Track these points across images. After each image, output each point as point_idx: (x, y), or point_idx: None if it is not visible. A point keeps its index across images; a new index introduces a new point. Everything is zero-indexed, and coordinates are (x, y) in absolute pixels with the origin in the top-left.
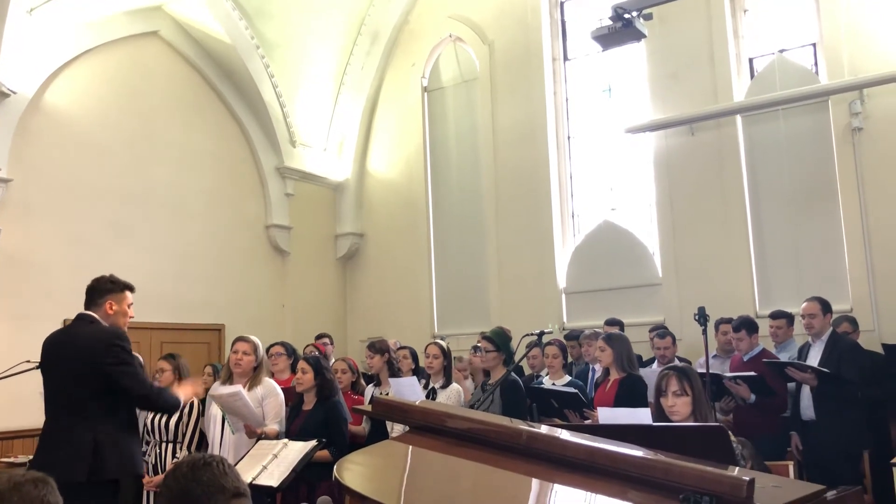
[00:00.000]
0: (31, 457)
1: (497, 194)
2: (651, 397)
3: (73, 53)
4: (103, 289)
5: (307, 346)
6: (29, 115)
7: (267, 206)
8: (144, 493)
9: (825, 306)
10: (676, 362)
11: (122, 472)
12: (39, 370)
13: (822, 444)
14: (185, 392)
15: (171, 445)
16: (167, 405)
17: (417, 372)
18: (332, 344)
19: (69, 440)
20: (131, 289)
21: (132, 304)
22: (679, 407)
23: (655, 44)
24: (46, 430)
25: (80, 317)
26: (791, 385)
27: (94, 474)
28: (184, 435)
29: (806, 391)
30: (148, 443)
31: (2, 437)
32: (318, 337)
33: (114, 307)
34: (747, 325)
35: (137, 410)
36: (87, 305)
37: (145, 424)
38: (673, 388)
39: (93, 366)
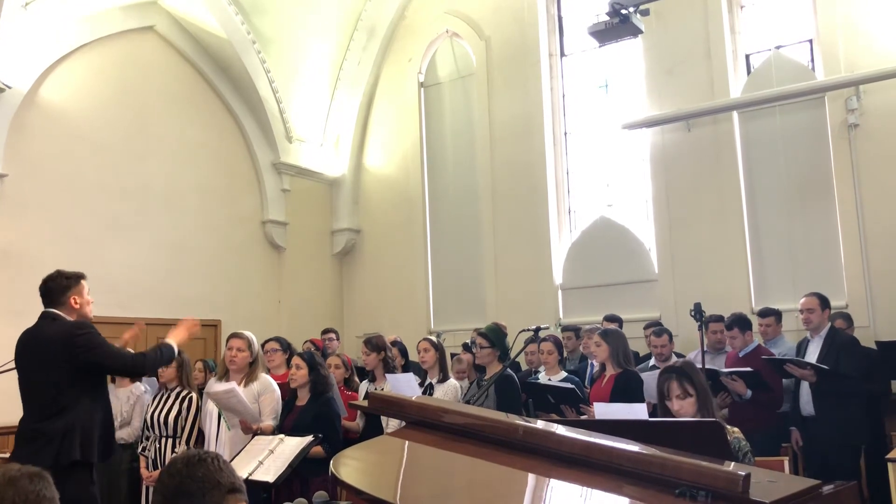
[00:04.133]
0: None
1: (493, 190)
2: (649, 397)
3: (69, 48)
4: (62, 286)
5: (305, 342)
6: (24, 110)
7: (263, 201)
8: (143, 487)
9: (824, 301)
10: (674, 359)
11: (84, 456)
12: (16, 369)
13: (822, 439)
14: (177, 336)
15: (170, 440)
16: (160, 361)
17: (408, 367)
18: (338, 339)
19: (42, 432)
20: (84, 277)
21: (89, 290)
22: (686, 409)
23: (652, 39)
24: (21, 426)
25: (43, 315)
26: (790, 381)
27: (60, 459)
28: (182, 430)
29: (805, 387)
30: (147, 438)
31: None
32: (325, 332)
33: (77, 300)
34: (740, 323)
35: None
36: (50, 305)
37: (145, 420)
38: (675, 392)
39: (61, 359)
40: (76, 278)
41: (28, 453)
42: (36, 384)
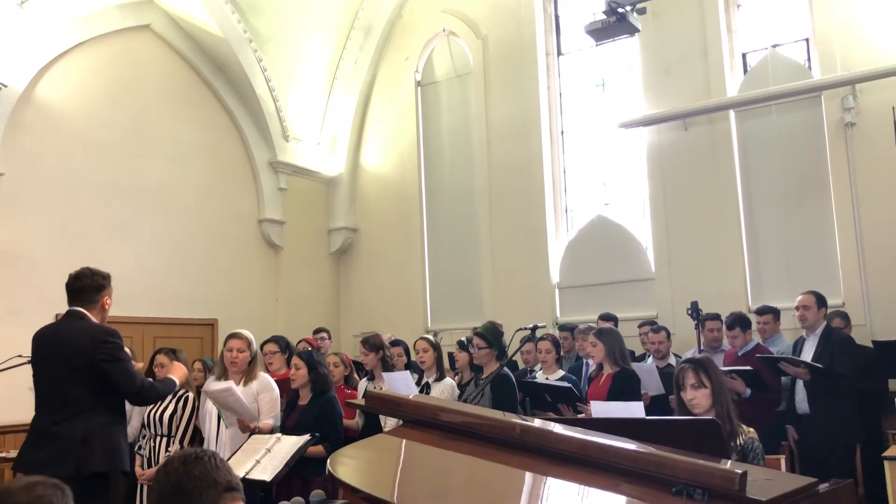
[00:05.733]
0: None
1: (490, 189)
2: (646, 390)
3: (65, 47)
4: (98, 285)
5: (299, 341)
6: (20, 108)
7: (260, 200)
8: (138, 486)
9: (820, 300)
10: (672, 357)
11: (110, 465)
12: (31, 365)
13: (816, 437)
14: (177, 374)
15: (164, 439)
16: (162, 394)
17: (410, 367)
18: (329, 338)
19: (58, 435)
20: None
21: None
22: (699, 399)
23: (649, 38)
24: (35, 425)
25: (70, 313)
26: (786, 379)
27: (82, 468)
28: (177, 429)
29: (801, 385)
30: (143, 436)
31: None
32: (317, 331)
33: (108, 301)
34: (741, 322)
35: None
36: (78, 302)
37: (142, 419)
38: (690, 381)
39: (85, 362)
40: (108, 279)
41: (45, 457)
42: (54, 384)
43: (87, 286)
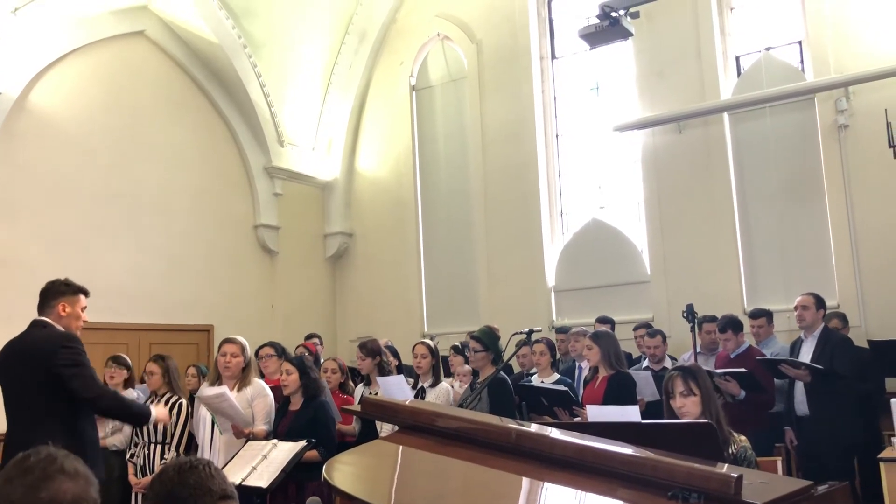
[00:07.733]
0: None
1: (486, 193)
2: (641, 395)
3: (59, 53)
4: (56, 291)
5: (298, 346)
6: (14, 115)
7: (255, 205)
8: (133, 494)
9: (819, 301)
10: (668, 360)
11: None
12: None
13: (816, 439)
14: (158, 410)
15: (159, 447)
16: (128, 411)
17: (400, 369)
18: (321, 344)
19: (25, 443)
20: (86, 293)
21: (86, 307)
22: (688, 407)
23: (642, 42)
24: (7, 437)
25: (33, 323)
26: (783, 381)
27: None
28: (172, 436)
29: (800, 386)
30: (136, 444)
31: None
32: (308, 337)
33: (66, 309)
34: (733, 325)
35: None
36: (41, 309)
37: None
38: (679, 388)
39: (45, 369)
40: (75, 290)
41: None
42: (18, 392)
43: (47, 290)
